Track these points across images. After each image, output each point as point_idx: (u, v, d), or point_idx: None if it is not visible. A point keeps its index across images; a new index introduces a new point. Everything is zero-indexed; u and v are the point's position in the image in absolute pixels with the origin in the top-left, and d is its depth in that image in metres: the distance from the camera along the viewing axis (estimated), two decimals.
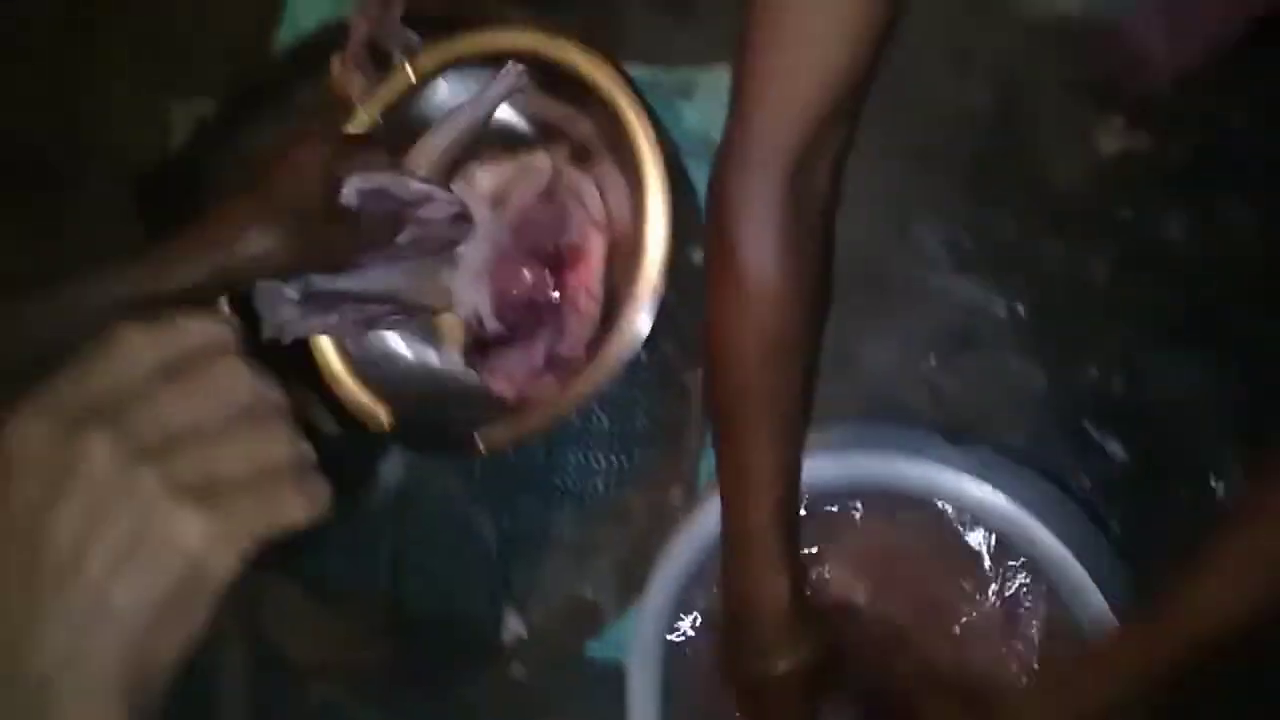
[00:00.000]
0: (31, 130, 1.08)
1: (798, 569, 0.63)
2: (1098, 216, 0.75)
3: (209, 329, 0.37)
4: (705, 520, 0.68)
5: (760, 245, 0.59)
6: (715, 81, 0.85)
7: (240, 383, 0.37)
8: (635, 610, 0.75)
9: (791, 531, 0.62)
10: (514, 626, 0.82)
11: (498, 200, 0.85)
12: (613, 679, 0.74)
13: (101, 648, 0.33)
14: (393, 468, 0.87)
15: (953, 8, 0.80)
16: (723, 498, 0.63)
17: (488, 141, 0.85)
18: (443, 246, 0.79)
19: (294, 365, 0.81)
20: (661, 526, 0.77)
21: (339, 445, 0.84)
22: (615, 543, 0.80)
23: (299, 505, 0.36)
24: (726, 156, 0.60)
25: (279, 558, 0.84)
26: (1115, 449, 0.72)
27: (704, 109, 0.86)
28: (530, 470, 0.83)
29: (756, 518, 0.61)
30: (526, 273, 0.81)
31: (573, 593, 0.81)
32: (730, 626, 0.65)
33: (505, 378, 0.80)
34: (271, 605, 0.90)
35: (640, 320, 0.72)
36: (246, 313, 0.79)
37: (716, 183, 0.61)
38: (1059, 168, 0.77)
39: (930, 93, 0.80)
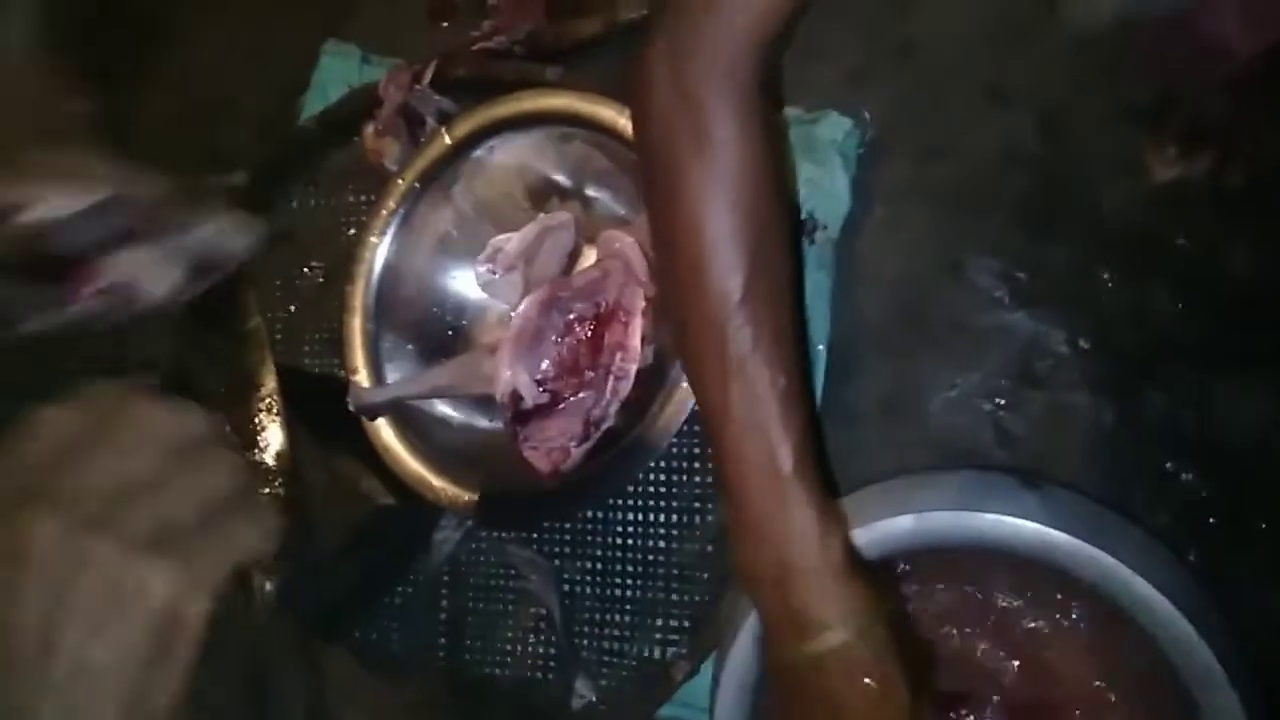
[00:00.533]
0: None
1: (841, 512, 0.58)
2: (1154, 245, 0.74)
3: (113, 389, 0.37)
4: None
5: (746, 126, 0.58)
6: None
7: (160, 425, 0.36)
8: (710, 670, 0.74)
9: (823, 466, 0.57)
10: (583, 692, 0.80)
11: (527, 260, 0.84)
12: None
13: (96, 709, 0.33)
14: (447, 535, 0.86)
15: (981, 36, 0.79)
16: (726, 443, 0.56)
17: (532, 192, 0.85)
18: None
19: (347, 435, 0.81)
20: (729, 585, 0.76)
21: (394, 514, 0.83)
22: (682, 602, 0.79)
23: (254, 535, 0.36)
24: (691, 53, 0.58)
25: (329, 624, 0.85)
26: (1191, 483, 0.71)
27: None
28: (588, 531, 0.82)
29: (785, 451, 0.55)
30: (563, 341, 0.80)
31: (642, 655, 0.79)
32: (771, 609, 0.57)
33: (545, 453, 0.78)
34: (325, 674, 0.89)
35: None
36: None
37: (680, 79, 0.58)
38: (1111, 196, 0.75)
39: (970, 128, 0.79)
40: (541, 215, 0.85)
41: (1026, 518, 0.61)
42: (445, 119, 0.86)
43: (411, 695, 0.88)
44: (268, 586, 0.71)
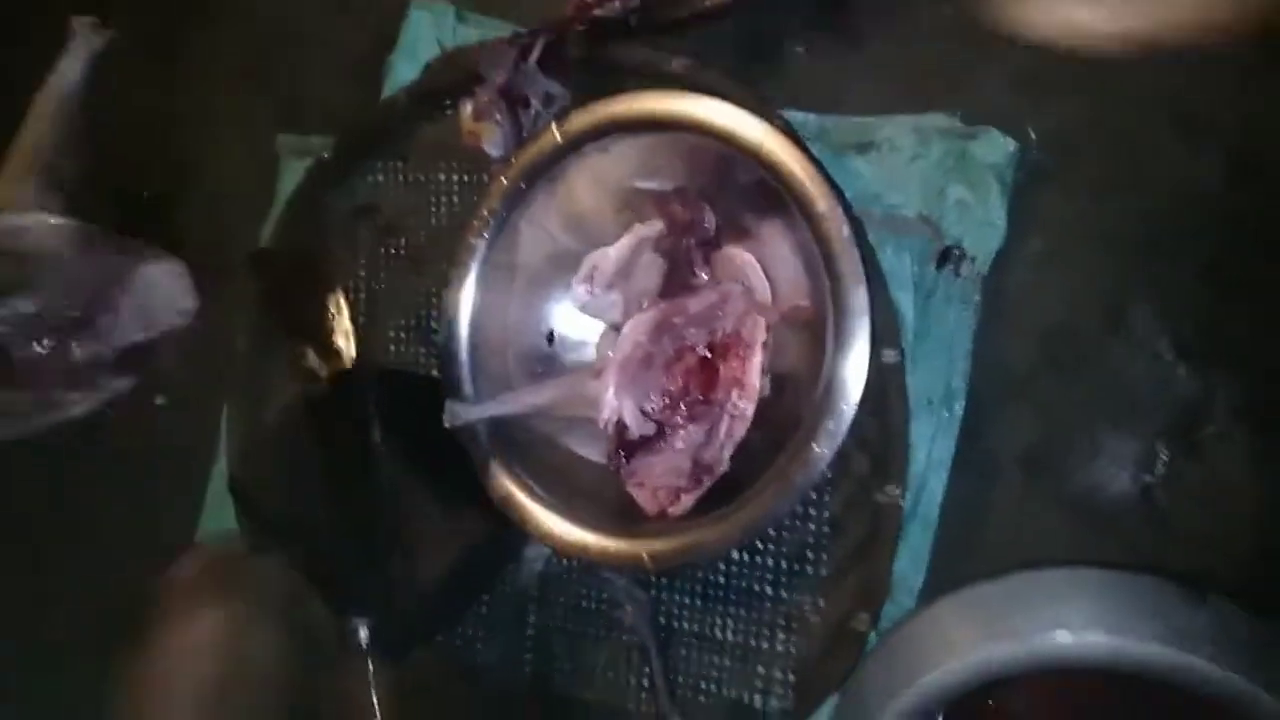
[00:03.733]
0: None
1: None
2: None
3: None
4: (907, 654, 0.63)
5: None
6: (894, 134, 0.75)
7: None
8: None
9: None
10: None
11: (625, 275, 0.77)
12: None
13: None
14: (538, 552, 0.83)
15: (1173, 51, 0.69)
16: None
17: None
18: None
19: (452, 452, 0.76)
20: (843, 647, 0.72)
21: (489, 528, 0.79)
22: (787, 653, 0.75)
23: None
24: None
25: (422, 629, 0.82)
26: None
27: (883, 164, 0.76)
28: (691, 566, 0.78)
29: None
30: (674, 370, 0.74)
31: (740, 700, 0.76)
32: None
33: (650, 492, 0.73)
34: (414, 676, 0.88)
35: (826, 443, 0.65)
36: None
37: None
38: None
39: (1151, 159, 0.70)
40: (636, 226, 0.78)
41: (1193, 644, 0.56)
42: (551, 103, 0.77)
43: (496, 701, 0.86)
44: (362, 632, 0.69)
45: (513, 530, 0.76)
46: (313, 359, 0.77)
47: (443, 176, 0.87)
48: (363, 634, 0.68)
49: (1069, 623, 0.58)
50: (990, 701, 0.62)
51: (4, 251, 0.81)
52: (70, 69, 0.91)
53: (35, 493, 1.06)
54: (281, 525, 0.76)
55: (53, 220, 0.82)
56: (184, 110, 1.01)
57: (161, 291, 0.87)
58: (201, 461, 0.96)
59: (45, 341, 0.71)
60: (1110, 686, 0.60)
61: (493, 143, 0.79)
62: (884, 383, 0.70)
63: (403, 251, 0.90)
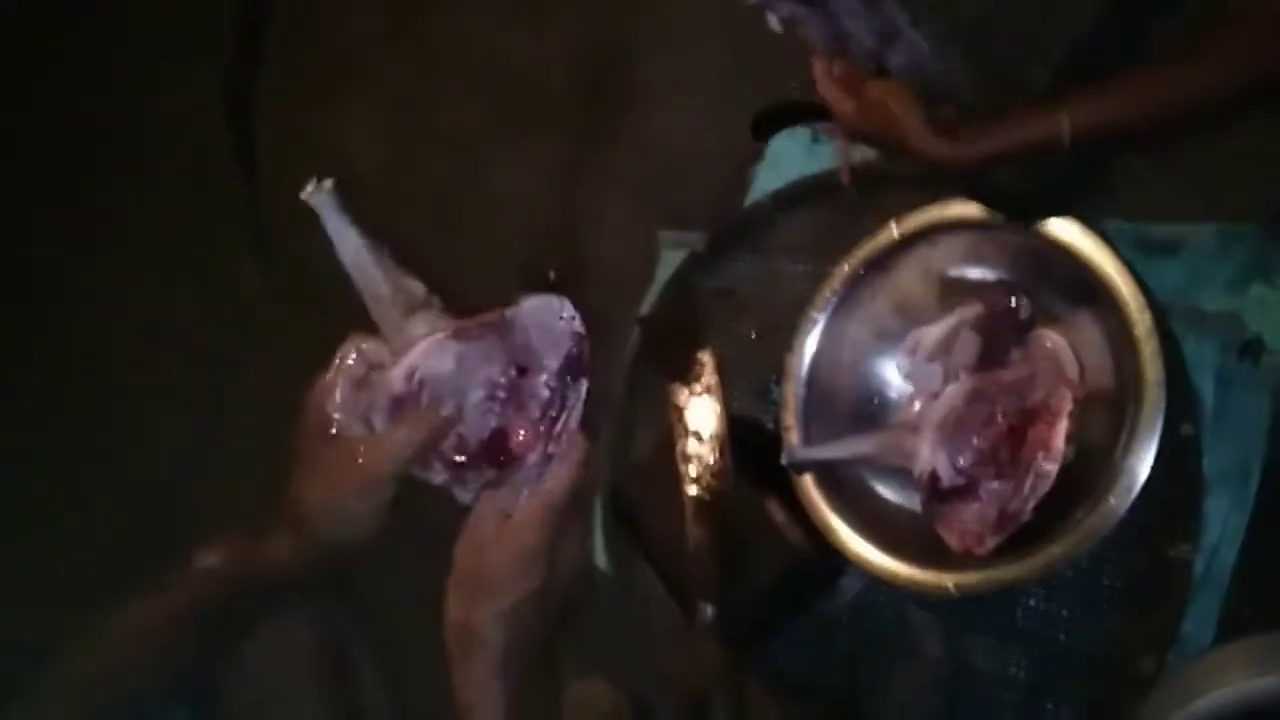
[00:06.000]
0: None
1: None
2: None
3: None
4: (1190, 700, 0.69)
5: None
6: (1200, 238, 0.85)
7: None
8: None
9: None
10: None
11: (946, 350, 0.90)
12: None
13: None
14: (851, 583, 0.96)
15: None
16: None
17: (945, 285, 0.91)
18: None
19: (784, 489, 0.92)
20: (1128, 690, 0.79)
21: (808, 556, 0.94)
22: (1077, 698, 0.82)
23: None
24: None
25: (749, 647, 0.97)
26: None
27: (1189, 264, 0.86)
28: (987, 607, 0.88)
29: None
30: (986, 433, 0.85)
31: None
32: None
33: (958, 533, 0.85)
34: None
35: (1121, 496, 0.74)
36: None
37: None
38: None
39: None
40: (959, 309, 0.91)
41: None
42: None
43: (809, 717, 0.99)
44: (708, 611, 0.85)
45: (830, 558, 0.90)
46: (684, 400, 0.96)
47: (789, 267, 1.06)
48: (708, 612, 0.84)
49: None
50: None
51: None
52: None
53: None
54: (647, 534, 0.96)
55: None
56: (587, 213, 1.29)
57: None
58: None
59: None
60: None
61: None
62: (1181, 454, 0.78)
63: (751, 328, 1.09)
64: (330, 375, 0.67)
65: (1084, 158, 0.90)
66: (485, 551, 0.64)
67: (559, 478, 0.65)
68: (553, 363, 0.70)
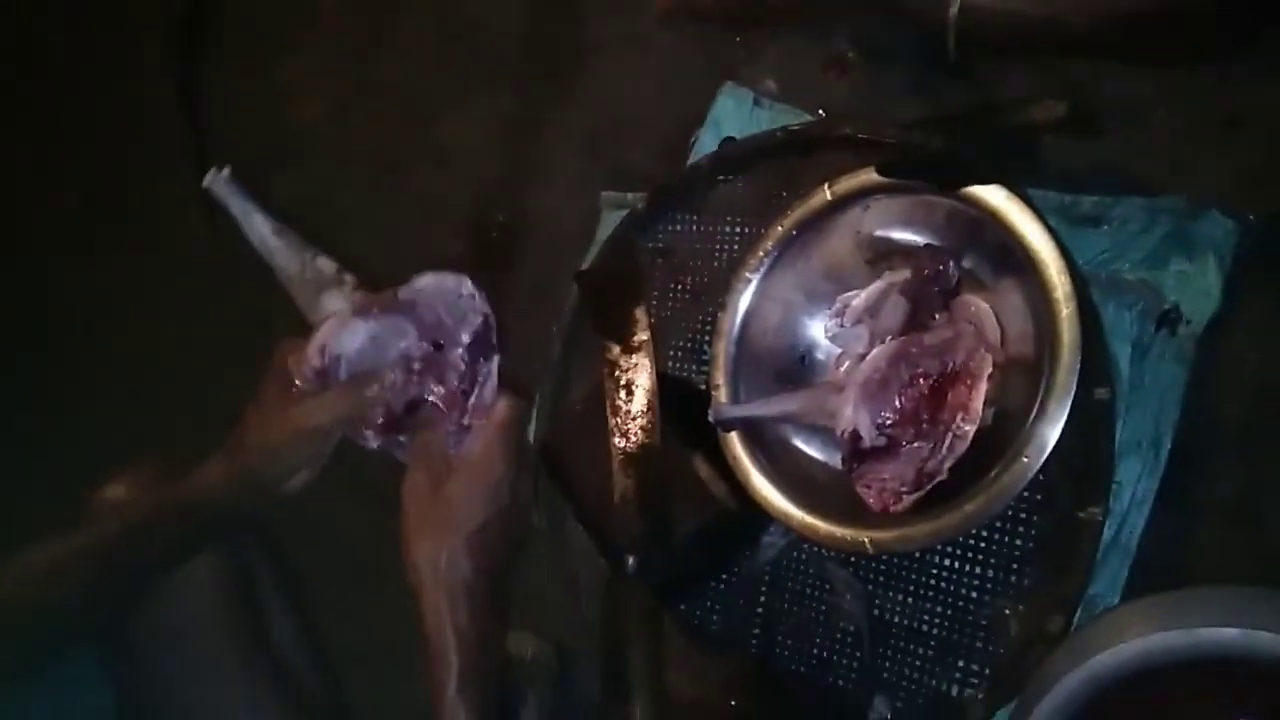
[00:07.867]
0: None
1: None
2: None
3: None
4: (1090, 655, 0.71)
5: None
6: (1126, 212, 0.87)
7: None
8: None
9: None
10: (880, 708, 0.89)
11: (872, 314, 0.92)
12: None
13: None
14: (774, 540, 0.97)
15: None
16: None
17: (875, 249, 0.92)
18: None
19: (712, 446, 0.93)
20: (1036, 648, 0.81)
21: (731, 511, 0.95)
22: (985, 651, 0.84)
23: None
24: None
25: (667, 600, 0.98)
26: None
27: (1113, 236, 0.87)
28: (904, 567, 0.90)
29: None
30: (907, 393, 0.87)
31: (939, 689, 0.86)
32: None
33: (877, 491, 0.86)
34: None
35: (1033, 455, 0.76)
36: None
37: None
38: None
39: None
40: (887, 273, 0.92)
41: None
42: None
43: (727, 671, 1.00)
44: (630, 561, 0.85)
45: (754, 514, 0.91)
46: (617, 355, 0.96)
47: (727, 229, 1.06)
48: (631, 562, 0.85)
49: (1240, 622, 0.65)
50: (1151, 698, 0.69)
51: None
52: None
53: None
54: (576, 485, 0.96)
55: None
56: (533, 170, 1.28)
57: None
58: None
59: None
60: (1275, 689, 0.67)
61: None
62: (1094, 417, 0.80)
63: (687, 287, 1.09)
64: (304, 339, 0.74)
65: (1015, 128, 0.92)
66: (442, 487, 0.70)
67: (505, 408, 0.73)
68: (465, 337, 0.77)
